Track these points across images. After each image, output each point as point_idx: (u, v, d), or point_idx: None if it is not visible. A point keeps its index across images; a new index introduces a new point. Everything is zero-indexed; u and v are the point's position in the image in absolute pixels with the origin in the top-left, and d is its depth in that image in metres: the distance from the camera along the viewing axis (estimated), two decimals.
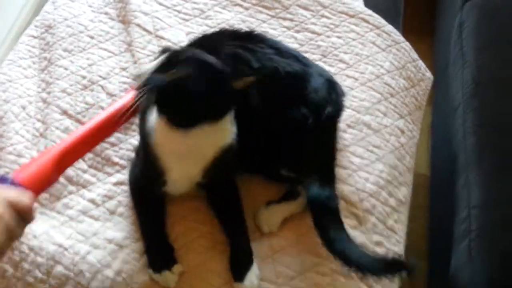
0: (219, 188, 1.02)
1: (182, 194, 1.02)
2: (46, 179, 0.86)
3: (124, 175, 1.09)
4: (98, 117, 0.97)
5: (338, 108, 1.08)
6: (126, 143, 1.14)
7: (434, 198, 1.65)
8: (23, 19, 1.50)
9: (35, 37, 1.39)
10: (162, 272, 0.96)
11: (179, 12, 1.40)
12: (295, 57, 1.09)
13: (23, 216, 0.76)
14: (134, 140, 1.14)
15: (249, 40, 1.09)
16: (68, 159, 0.91)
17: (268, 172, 1.08)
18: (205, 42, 1.12)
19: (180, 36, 1.33)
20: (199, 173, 0.95)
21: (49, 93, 1.25)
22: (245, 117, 0.97)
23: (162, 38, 1.32)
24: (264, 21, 1.38)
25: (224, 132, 0.93)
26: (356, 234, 1.03)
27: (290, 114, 1.01)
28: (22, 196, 0.77)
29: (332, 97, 1.06)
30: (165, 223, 1.02)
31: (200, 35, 1.17)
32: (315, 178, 0.99)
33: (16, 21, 1.49)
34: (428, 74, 1.40)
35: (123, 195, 1.07)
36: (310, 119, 1.01)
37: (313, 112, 1.02)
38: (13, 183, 0.81)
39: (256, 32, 1.15)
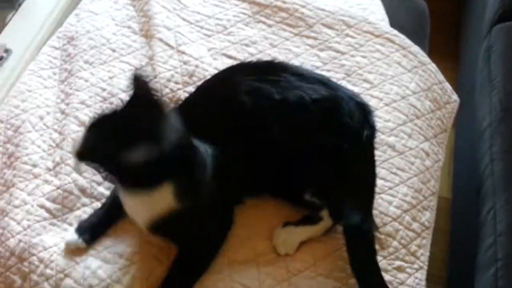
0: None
1: None
2: None
3: None
4: None
5: (374, 130, 1.04)
6: None
7: (456, 222, 1.59)
8: (46, 30, 1.50)
9: (56, 48, 1.39)
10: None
11: (201, 28, 1.39)
12: (320, 81, 1.05)
13: None
14: None
15: (270, 70, 1.05)
16: None
17: (290, 196, 1.04)
18: (223, 79, 1.10)
19: (201, 51, 1.31)
20: (145, 227, 0.94)
21: (68, 104, 1.24)
22: (266, 144, 0.97)
23: (183, 53, 1.30)
24: (287, 39, 1.36)
25: (158, 201, 0.90)
26: (378, 259, 0.98)
27: (319, 141, 0.98)
28: None
29: (368, 119, 1.02)
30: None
31: (218, 71, 1.15)
32: (355, 206, 0.96)
33: (39, 31, 1.50)
34: (455, 96, 1.36)
35: None
36: (346, 145, 0.98)
37: (350, 137, 0.99)
38: None
39: (276, 61, 1.12)
